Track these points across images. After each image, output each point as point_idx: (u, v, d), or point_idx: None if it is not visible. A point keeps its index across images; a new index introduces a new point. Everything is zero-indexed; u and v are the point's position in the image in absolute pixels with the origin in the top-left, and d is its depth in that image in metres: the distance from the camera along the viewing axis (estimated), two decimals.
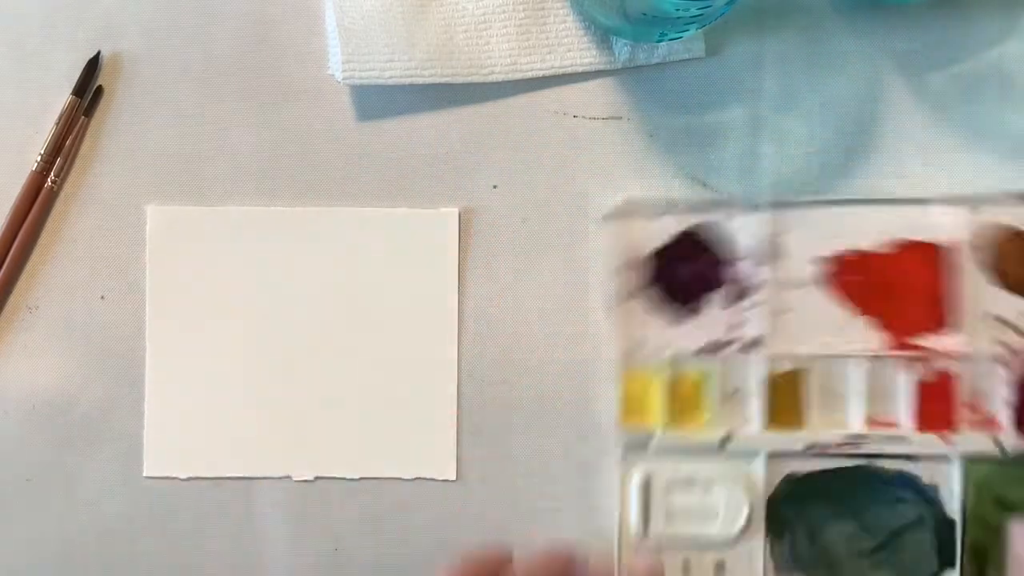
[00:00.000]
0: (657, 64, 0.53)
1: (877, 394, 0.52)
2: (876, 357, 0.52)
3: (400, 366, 0.53)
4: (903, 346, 0.52)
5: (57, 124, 0.53)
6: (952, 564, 0.52)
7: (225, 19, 0.54)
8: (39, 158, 0.53)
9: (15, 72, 0.54)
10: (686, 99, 0.54)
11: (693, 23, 0.49)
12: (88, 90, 0.53)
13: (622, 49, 0.53)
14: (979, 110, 0.54)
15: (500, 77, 0.53)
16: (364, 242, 0.53)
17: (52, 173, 0.53)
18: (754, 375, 0.52)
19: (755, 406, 0.52)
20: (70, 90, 0.53)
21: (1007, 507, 0.52)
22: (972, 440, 0.52)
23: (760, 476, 0.52)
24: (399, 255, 0.53)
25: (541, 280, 0.53)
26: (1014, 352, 0.52)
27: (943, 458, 0.52)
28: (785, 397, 0.53)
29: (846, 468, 0.52)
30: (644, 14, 0.48)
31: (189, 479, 0.53)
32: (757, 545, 0.52)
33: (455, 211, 0.53)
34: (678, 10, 0.46)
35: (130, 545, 0.53)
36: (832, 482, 0.52)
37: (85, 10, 0.54)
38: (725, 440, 0.52)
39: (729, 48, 0.54)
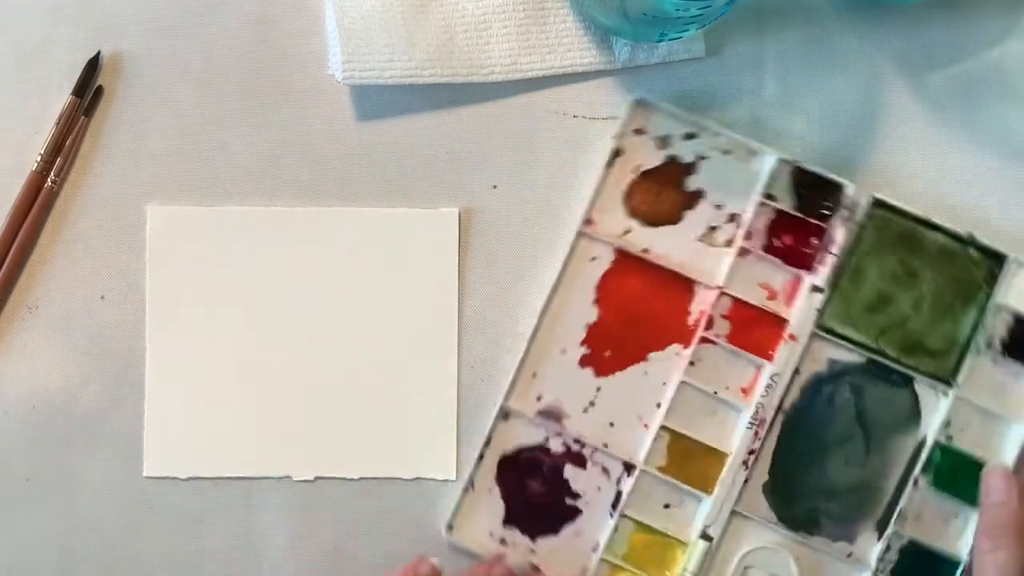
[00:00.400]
0: (657, 64, 0.53)
1: None
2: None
3: (400, 366, 0.53)
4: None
5: (57, 124, 0.53)
6: None
7: (225, 19, 0.54)
8: (39, 158, 0.53)
9: (15, 72, 0.54)
10: (686, 99, 0.54)
11: (693, 23, 0.49)
12: (88, 90, 0.53)
13: (622, 49, 0.53)
14: (979, 110, 0.54)
15: (500, 77, 0.53)
16: (364, 242, 0.53)
17: (52, 173, 0.53)
18: None
19: None
20: (70, 90, 0.53)
21: None
22: None
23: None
24: (399, 255, 0.53)
25: (541, 280, 0.53)
26: None
27: None
28: None
29: None
30: (644, 14, 0.48)
31: (189, 479, 0.53)
32: None
33: (455, 211, 0.53)
34: (678, 10, 0.46)
35: (130, 545, 0.53)
36: None
37: (85, 10, 0.54)
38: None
39: (729, 48, 0.54)
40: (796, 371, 0.52)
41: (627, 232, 0.53)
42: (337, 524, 0.53)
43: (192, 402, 0.53)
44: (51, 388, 0.53)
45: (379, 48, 0.52)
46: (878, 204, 0.52)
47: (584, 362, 0.53)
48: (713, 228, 0.53)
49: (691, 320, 0.53)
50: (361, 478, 0.53)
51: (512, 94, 0.53)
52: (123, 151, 0.54)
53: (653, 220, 0.53)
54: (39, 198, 0.53)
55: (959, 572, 0.51)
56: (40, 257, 0.53)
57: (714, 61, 0.54)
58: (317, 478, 0.53)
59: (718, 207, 0.53)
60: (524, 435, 0.53)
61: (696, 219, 0.53)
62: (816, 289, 0.52)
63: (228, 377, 0.53)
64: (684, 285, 0.53)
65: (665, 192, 0.53)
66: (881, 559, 0.52)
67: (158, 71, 0.54)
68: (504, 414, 0.53)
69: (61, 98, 0.53)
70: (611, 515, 0.52)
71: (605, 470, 0.53)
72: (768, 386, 0.52)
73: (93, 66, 0.53)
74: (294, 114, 0.54)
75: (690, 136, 0.53)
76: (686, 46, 0.53)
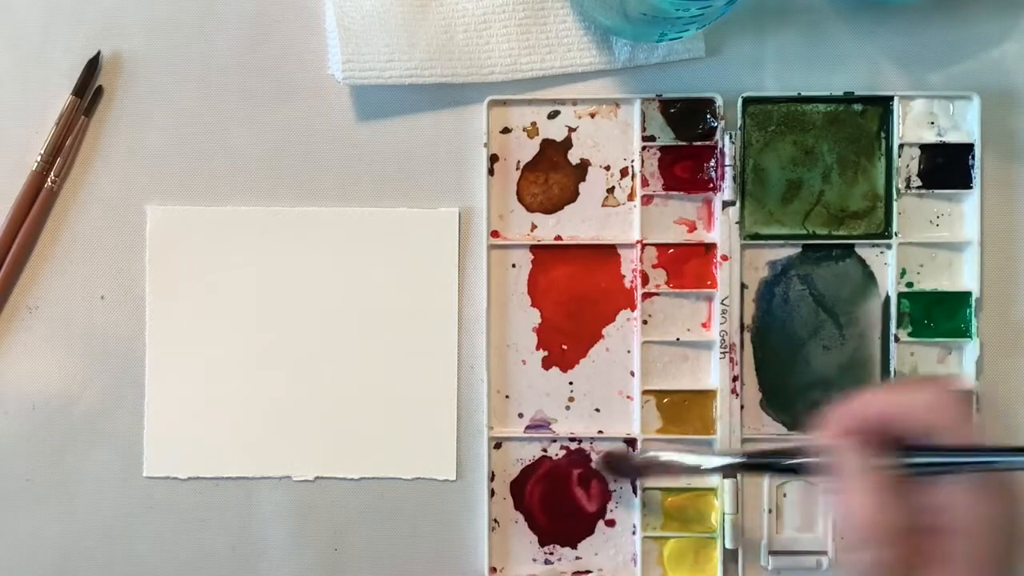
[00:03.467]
0: (657, 64, 0.53)
1: None
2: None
3: (400, 366, 0.53)
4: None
5: (57, 124, 0.53)
6: None
7: (225, 19, 0.54)
8: (39, 158, 0.53)
9: (15, 72, 0.54)
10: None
11: (693, 23, 0.49)
12: (88, 90, 0.53)
13: (622, 49, 0.53)
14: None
15: (500, 77, 0.53)
16: (364, 242, 0.53)
17: (52, 173, 0.53)
18: None
19: None
20: (70, 90, 0.53)
21: None
22: None
23: None
24: (399, 255, 0.53)
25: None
26: None
27: None
28: None
29: None
30: (644, 14, 0.48)
31: (189, 479, 0.53)
32: None
33: (455, 211, 0.53)
34: (678, 10, 0.46)
35: (130, 545, 0.53)
36: None
37: (85, 10, 0.54)
38: None
39: (729, 48, 0.54)
40: (743, 286, 0.53)
41: (533, 228, 0.54)
42: (337, 524, 0.53)
43: (192, 402, 0.53)
44: (51, 388, 0.53)
45: (379, 48, 0.52)
46: (750, 101, 0.53)
47: (546, 364, 0.54)
48: (610, 190, 0.54)
49: (627, 282, 0.53)
50: (361, 478, 0.53)
51: (512, 94, 0.53)
52: (123, 151, 0.54)
53: (552, 207, 0.54)
54: (39, 198, 0.53)
55: (974, 399, 0.52)
56: (40, 257, 0.53)
57: (714, 61, 0.54)
58: (317, 478, 0.53)
59: (606, 168, 0.54)
60: (522, 455, 0.53)
61: (591, 188, 0.54)
62: (728, 204, 0.53)
63: (228, 377, 0.53)
64: (607, 253, 0.54)
65: (552, 176, 0.54)
66: None
67: (158, 71, 0.54)
68: (496, 444, 0.53)
69: (61, 98, 0.53)
70: (634, 493, 0.53)
71: None
72: (723, 312, 0.53)
73: (93, 66, 0.53)
74: (294, 114, 0.54)
75: (554, 114, 0.53)
76: (686, 46, 0.53)
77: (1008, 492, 0.36)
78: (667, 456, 0.49)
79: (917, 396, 0.37)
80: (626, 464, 0.52)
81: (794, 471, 0.40)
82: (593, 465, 0.53)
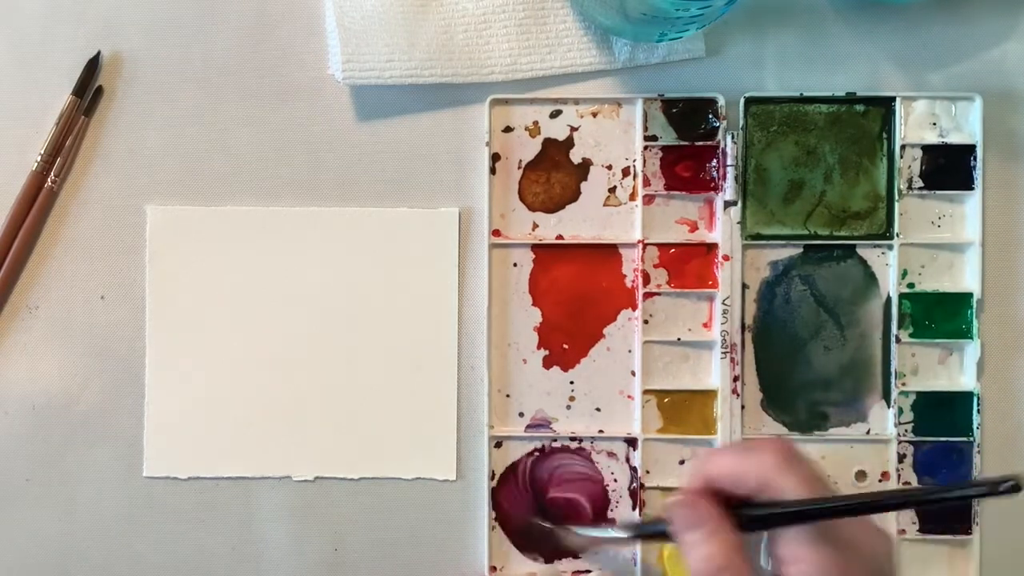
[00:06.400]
0: (657, 64, 0.53)
1: None
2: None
3: (400, 366, 0.53)
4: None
5: (57, 124, 0.53)
6: None
7: (225, 19, 0.54)
8: (39, 158, 0.53)
9: (15, 72, 0.54)
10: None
11: (693, 23, 0.49)
12: (88, 90, 0.53)
13: (622, 49, 0.53)
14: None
15: (500, 77, 0.53)
16: (364, 242, 0.53)
17: (52, 173, 0.53)
18: None
19: None
20: (70, 90, 0.53)
21: None
22: None
23: None
24: (399, 255, 0.53)
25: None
26: None
27: None
28: None
29: None
30: (644, 14, 0.48)
31: (189, 479, 0.53)
32: None
33: (455, 211, 0.53)
34: (678, 10, 0.46)
35: (130, 545, 0.53)
36: None
37: (85, 10, 0.54)
38: None
39: (729, 48, 0.54)
40: (744, 286, 0.53)
41: (535, 227, 0.54)
42: (337, 524, 0.53)
43: (192, 402, 0.53)
44: (51, 388, 0.53)
45: (379, 48, 0.52)
46: (752, 101, 0.53)
47: (547, 364, 0.53)
48: (612, 189, 0.53)
49: (628, 282, 0.53)
50: (361, 478, 0.53)
51: (512, 94, 0.53)
52: (123, 151, 0.54)
53: (554, 206, 0.54)
54: (39, 198, 0.53)
55: (975, 400, 0.52)
56: (40, 257, 0.53)
57: (714, 61, 0.54)
58: (317, 478, 0.53)
59: (608, 168, 0.54)
60: (522, 455, 0.53)
61: (593, 188, 0.54)
62: (730, 204, 0.53)
63: (228, 377, 0.53)
64: (608, 253, 0.54)
65: (554, 175, 0.54)
66: (898, 423, 0.53)
67: (158, 71, 0.54)
68: (496, 443, 0.53)
69: (61, 98, 0.53)
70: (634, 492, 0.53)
71: (611, 454, 0.53)
72: (724, 312, 0.53)
73: (93, 66, 0.53)
74: (294, 114, 0.54)
75: (556, 114, 0.53)
76: (686, 46, 0.53)
77: (843, 540, 0.38)
78: (579, 532, 0.50)
79: (750, 456, 0.40)
80: (546, 537, 0.52)
81: (663, 535, 0.42)
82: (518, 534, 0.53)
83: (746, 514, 0.40)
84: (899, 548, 0.52)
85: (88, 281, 0.54)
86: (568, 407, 0.53)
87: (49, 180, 0.53)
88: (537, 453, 0.53)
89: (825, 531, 0.38)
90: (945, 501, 0.50)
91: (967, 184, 0.53)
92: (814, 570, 0.38)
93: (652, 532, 0.44)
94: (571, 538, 0.50)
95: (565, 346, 0.53)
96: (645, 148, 0.53)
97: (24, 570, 0.53)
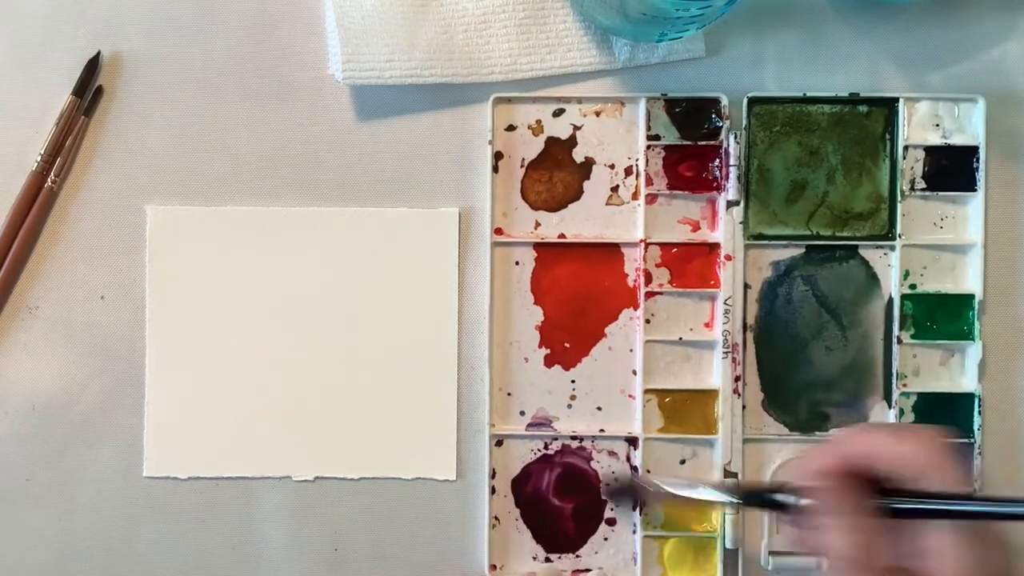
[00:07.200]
0: (657, 64, 0.53)
1: None
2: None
3: (400, 366, 0.53)
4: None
5: (57, 124, 0.53)
6: None
7: (225, 19, 0.54)
8: (39, 158, 0.53)
9: (15, 72, 0.54)
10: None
11: (693, 23, 0.48)
12: (88, 90, 0.53)
13: (622, 49, 0.53)
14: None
15: (500, 77, 0.53)
16: (364, 242, 0.53)
17: (52, 173, 0.53)
18: None
19: None
20: (70, 90, 0.53)
21: None
22: None
23: None
24: (399, 255, 0.53)
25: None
26: None
27: None
28: None
29: None
30: (644, 14, 0.48)
31: (189, 479, 0.53)
32: None
33: (455, 211, 0.53)
34: (678, 10, 0.46)
35: (130, 545, 0.53)
36: None
37: (85, 10, 0.54)
38: None
39: (729, 48, 0.53)
40: (746, 286, 0.53)
41: (537, 226, 0.54)
42: (337, 524, 0.53)
43: (192, 402, 0.53)
44: (51, 388, 0.53)
45: (379, 48, 0.52)
46: (755, 101, 0.53)
47: (548, 362, 0.53)
48: (615, 188, 0.53)
49: (630, 281, 0.53)
50: (361, 478, 0.53)
51: (512, 94, 0.53)
52: (123, 151, 0.54)
53: (556, 205, 0.54)
54: (39, 198, 0.53)
55: (976, 401, 0.52)
56: (40, 257, 0.54)
57: (714, 61, 0.53)
58: (317, 478, 0.53)
59: (611, 167, 0.53)
60: (523, 453, 0.53)
61: (595, 187, 0.54)
62: (732, 204, 0.53)
63: (228, 377, 0.53)
64: (610, 252, 0.53)
65: (557, 174, 0.53)
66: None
67: (158, 71, 0.54)
68: (497, 442, 0.53)
69: (61, 98, 0.53)
70: (634, 508, 0.53)
71: (612, 453, 0.53)
72: (726, 311, 0.53)
73: (93, 66, 0.53)
74: (294, 114, 0.54)
75: (559, 112, 0.53)
76: (686, 46, 0.53)
77: (994, 541, 0.36)
78: (669, 488, 0.48)
79: (906, 441, 0.38)
80: (631, 491, 0.52)
81: (785, 508, 0.40)
82: (602, 493, 0.53)
83: (899, 504, 0.37)
84: None
85: (88, 281, 0.54)
86: (569, 406, 0.53)
87: (49, 180, 0.53)
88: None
89: (984, 531, 0.36)
90: None
91: (970, 185, 0.53)
92: (961, 568, 0.36)
93: (766, 502, 0.42)
94: (659, 492, 0.47)
95: (566, 345, 0.53)
96: (648, 147, 0.53)
97: (24, 570, 0.53)
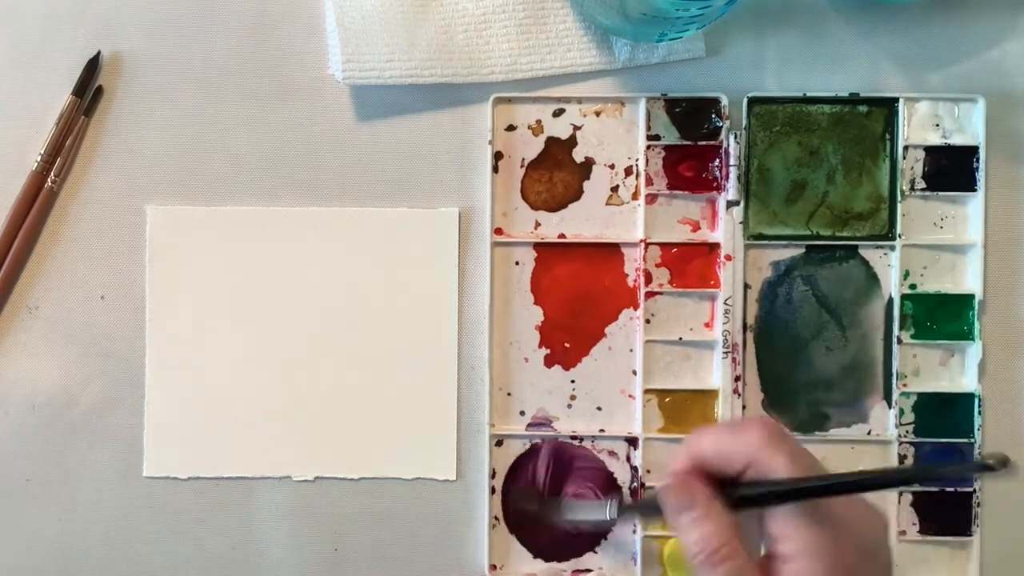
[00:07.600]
0: (657, 64, 0.53)
1: None
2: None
3: (400, 366, 0.53)
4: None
5: (57, 124, 0.53)
6: None
7: (225, 19, 0.54)
8: (39, 158, 0.53)
9: (15, 72, 0.54)
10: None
11: (693, 23, 0.48)
12: (88, 90, 0.53)
13: (622, 49, 0.53)
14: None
15: (500, 77, 0.53)
16: (364, 242, 0.53)
17: (52, 173, 0.53)
18: None
19: None
20: (70, 90, 0.53)
21: None
22: None
23: None
24: (399, 255, 0.53)
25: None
26: None
27: None
28: None
29: None
30: (644, 14, 0.48)
31: (189, 479, 0.53)
32: None
33: (455, 211, 0.53)
34: (678, 10, 0.46)
35: (130, 545, 0.53)
36: None
37: (85, 10, 0.54)
38: None
39: (729, 48, 0.53)
40: (746, 286, 0.53)
41: (537, 226, 0.54)
42: (337, 524, 0.53)
43: (192, 402, 0.53)
44: (51, 388, 0.53)
45: (379, 48, 0.52)
46: (755, 102, 0.53)
47: (548, 362, 0.54)
48: (615, 188, 0.53)
49: (630, 281, 0.53)
50: (361, 478, 0.53)
51: (512, 94, 0.53)
52: (123, 151, 0.54)
53: (556, 205, 0.54)
54: (39, 198, 0.53)
55: (976, 401, 0.52)
56: (40, 257, 0.54)
57: (714, 61, 0.53)
58: (317, 478, 0.53)
59: (611, 167, 0.53)
60: (523, 453, 0.54)
61: (595, 187, 0.54)
62: (732, 204, 0.53)
63: (228, 377, 0.53)
64: (610, 252, 0.54)
65: (557, 174, 0.54)
66: (899, 424, 0.53)
67: (158, 71, 0.54)
68: (497, 442, 0.53)
69: (61, 98, 0.53)
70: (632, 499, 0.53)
71: (612, 453, 0.53)
72: (726, 311, 0.53)
73: (93, 66, 0.53)
74: (294, 114, 0.54)
75: (559, 112, 0.53)
76: (686, 46, 0.53)
77: (837, 519, 0.38)
78: (563, 510, 0.51)
79: (739, 433, 0.40)
80: (530, 506, 0.53)
81: (657, 512, 0.41)
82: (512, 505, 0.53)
83: (737, 494, 0.39)
84: (898, 547, 0.52)
85: (88, 281, 0.54)
86: (569, 406, 0.53)
87: (49, 180, 0.53)
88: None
89: (816, 509, 0.38)
90: (933, 480, 0.51)
91: (970, 185, 0.53)
92: (804, 548, 0.38)
93: (645, 510, 0.44)
94: (562, 512, 0.50)
95: (566, 345, 0.53)
96: (648, 147, 0.53)
97: (24, 570, 0.53)
